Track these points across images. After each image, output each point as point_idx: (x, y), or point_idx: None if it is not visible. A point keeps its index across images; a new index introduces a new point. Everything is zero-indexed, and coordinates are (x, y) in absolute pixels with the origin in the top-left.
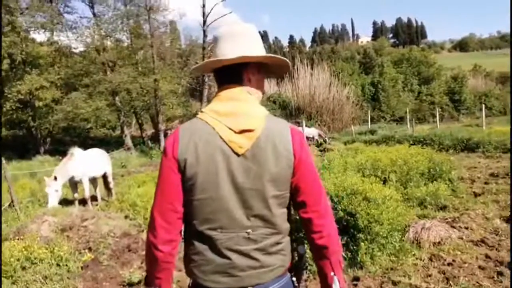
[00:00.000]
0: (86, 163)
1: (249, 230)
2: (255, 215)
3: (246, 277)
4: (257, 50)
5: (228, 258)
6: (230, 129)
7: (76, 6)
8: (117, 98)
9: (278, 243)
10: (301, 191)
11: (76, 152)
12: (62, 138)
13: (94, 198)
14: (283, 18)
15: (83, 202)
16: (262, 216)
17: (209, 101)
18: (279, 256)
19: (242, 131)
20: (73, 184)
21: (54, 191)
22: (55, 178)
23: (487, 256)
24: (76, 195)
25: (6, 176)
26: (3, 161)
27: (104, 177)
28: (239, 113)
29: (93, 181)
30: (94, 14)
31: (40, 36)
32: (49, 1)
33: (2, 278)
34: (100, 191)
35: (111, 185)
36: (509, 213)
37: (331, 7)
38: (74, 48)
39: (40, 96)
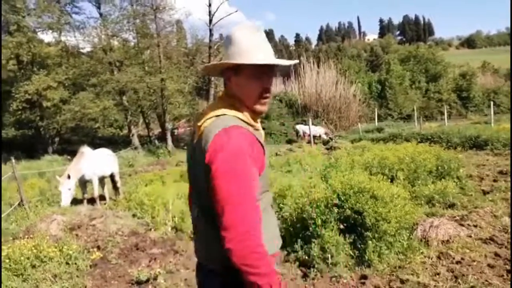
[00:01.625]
0: (96, 162)
1: (198, 209)
2: (198, 200)
3: (201, 254)
4: (232, 56)
5: (195, 232)
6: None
7: (83, 6)
8: (124, 98)
9: (219, 235)
10: (213, 199)
11: (86, 150)
12: (70, 137)
13: (102, 197)
14: (288, 16)
15: (91, 201)
16: (202, 203)
17: (215, 99)
18: (219, 247)
19: (198, 127)
20: (83, 183)
21: (67, 189)
22: (69, 177)
23: (496, 254)
24: (85, 194)
25: (16, 176)
26: (13, 161)
27: (112, 176)
28: (205, 111)
29: (101, 180)
30: (100, 14)
31: (48, 37)
32: (56, 1)
33: (13, 276)
34: (108, 190)
35: (119, 184)
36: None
37: (337, 4)
38: (82, 48)
39: (47, 96)
